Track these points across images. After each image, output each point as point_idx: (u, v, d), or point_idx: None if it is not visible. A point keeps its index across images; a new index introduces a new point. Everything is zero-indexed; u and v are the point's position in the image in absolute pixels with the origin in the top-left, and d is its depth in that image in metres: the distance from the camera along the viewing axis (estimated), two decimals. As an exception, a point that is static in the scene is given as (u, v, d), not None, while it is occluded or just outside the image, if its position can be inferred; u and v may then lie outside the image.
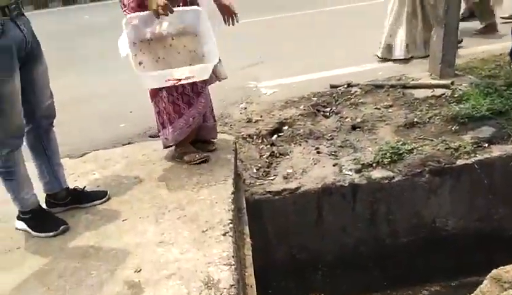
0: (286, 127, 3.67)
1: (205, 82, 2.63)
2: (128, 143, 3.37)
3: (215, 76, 2.73)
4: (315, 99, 4.06)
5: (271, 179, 3.04)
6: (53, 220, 2.18)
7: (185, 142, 2.74)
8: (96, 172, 2.74)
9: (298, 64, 4.99)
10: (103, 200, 2.38)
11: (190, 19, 2.44)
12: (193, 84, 2.57)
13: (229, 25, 2.60)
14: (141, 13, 2.34)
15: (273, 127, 3.66)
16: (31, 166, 2.23)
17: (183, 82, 2.34)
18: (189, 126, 2.66)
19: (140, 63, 2.39)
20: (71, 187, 2.39)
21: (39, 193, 2.26)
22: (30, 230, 2.15)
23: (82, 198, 2.36)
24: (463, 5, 5.10)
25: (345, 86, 4.13)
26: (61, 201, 2.33)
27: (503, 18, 5.40)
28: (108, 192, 2.42)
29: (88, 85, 5.00)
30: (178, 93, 2.57)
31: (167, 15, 2.30)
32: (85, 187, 2.43)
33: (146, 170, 2.70)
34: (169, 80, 2.31)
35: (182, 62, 2.40)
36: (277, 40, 6.19)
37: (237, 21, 2.60)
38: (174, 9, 2.31)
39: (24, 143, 2.14)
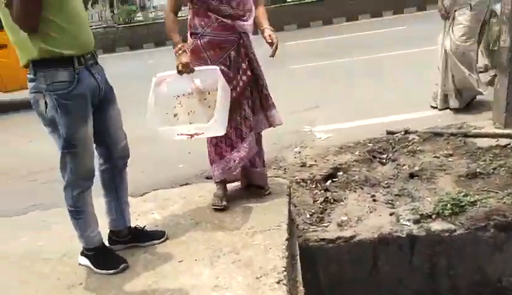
0: (341, 173, 3.64)
1: (251, 128, 2.71)
2: (186, 184, 3.48)
3: (268, 122, 2.81)
4: (371, 145, 4.02)
5: (325, 226, 3.00)
6: (115, 258, 2.27)
7: (222, 184, 2.84)
8: (155, 211, 2.84)
9: (352, 109, 4.99)
10: (161, 240, 2.44)
11: (211, 77, 2.52)
12: (236, 129, 2.68)
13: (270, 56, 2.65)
14: (170, 72, 2.52)
15: (327, 172, 3.64)
16: (99, 201, 2.34)
17: (196, 137, 2.47)
18: (229, 169, 2.73)
19: (175, 115, 2.60)
20: (132, 225, 2.49)
21: (103, 228, 2.36)
22: (93, 267, 2.24)
23: (141, 237, 2.45)
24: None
25: (402, 133, 4.07)
26: (122, 239, 2.42)
27: None
28: (166, 233, 2.49)
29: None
30: (222, 136, 2.64)
31: (188, 73, 2.46)
32: (145, 226, 2.52)
33: (202, 211, 2.76)
34: (181, 134, 2.47)
35: (209, 116, 2.48)
36: (331, 85, 6.26)
37: (273, 54, 2.62)
38: (196, 68, 2.49)
39: (96, 177, 2.26)
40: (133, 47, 14.11)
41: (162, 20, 14.45)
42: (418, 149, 3.78)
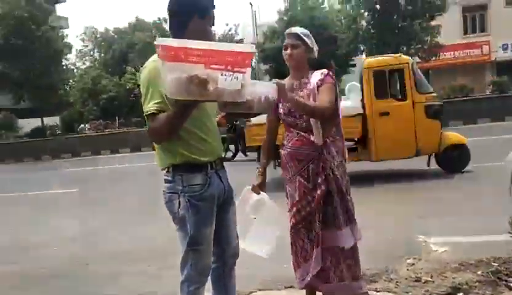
0: (461, 294, 3.30)
1: (318, 243, 2.73)
2: (291, 286, 3.42)
3: (342, 240, 2.77)
4: (495, 264, 3.61)
5: None
6: None
7: (309, 292, 2.92)
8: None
9: (475, 221, 4.60)
10: None
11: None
12: (311, 241, 2.78)
13: None
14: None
15: (445, 292, 3.32)
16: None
17: None
18: (303, 279, 2.80)
19: None
20: None
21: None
22: None
23: None
24: None
25: (534, 254, 3.61)
26: None
27: None
28: None
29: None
30: (299, 245, 2.81)
31: (257, 193, 2.73)
32: None
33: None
34: None
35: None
36: (447, 194, 5.90)
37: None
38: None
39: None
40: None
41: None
42: (554, 276, 3.30)
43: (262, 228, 2.59)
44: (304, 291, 3.02)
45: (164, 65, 1.74)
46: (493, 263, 3.63)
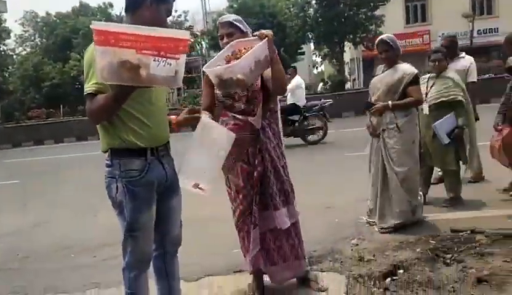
0: (401, 271, 3.45)
1: (255, 225, 2.80)
2: (240, 271, 3.45)
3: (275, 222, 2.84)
4: (433, 242, 3.82)
5: (384, 330, 2.82)
6: None
7: (255, 275, 2.98)
8: (207, 299, 2.83)
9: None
10: None
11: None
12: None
13: None
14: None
15: (387, 269, 3.47)
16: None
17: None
18: (251, 262, 2.87)
19: None
20: None
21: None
22: None
23: None
24: None
25: (468, 232, 3.85)
26: None
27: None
28: None
29: (208, 207, 5.37)
30: (245, 231, 2.87)
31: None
32: None
33: (255, 303, 2.71)
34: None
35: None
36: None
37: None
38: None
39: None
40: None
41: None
42: (486, 251, 3.53)
43: (199, 156, 2.36)
44: (247, 274, 3.08)
45: (96, 49, 1.70)
46: (431, 241, 3.84)
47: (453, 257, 3.54)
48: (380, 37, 4.20)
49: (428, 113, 4.60)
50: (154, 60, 1.74)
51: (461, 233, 3.86)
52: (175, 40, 1.77)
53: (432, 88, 4.62)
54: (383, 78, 4.15)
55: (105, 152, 2.17)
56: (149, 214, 2.18)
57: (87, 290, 3.27)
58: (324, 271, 3.28)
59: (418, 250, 3.71)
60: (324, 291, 2.79)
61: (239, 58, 2.45)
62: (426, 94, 4.59)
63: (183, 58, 1.83)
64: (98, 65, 1.71)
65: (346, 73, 29.16)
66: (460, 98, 4.50)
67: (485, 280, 3.18)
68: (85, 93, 1.98)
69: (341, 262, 3.65)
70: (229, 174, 2.82)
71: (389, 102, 4.01)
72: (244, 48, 2.52)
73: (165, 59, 1.75)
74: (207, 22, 29.83)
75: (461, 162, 4.68)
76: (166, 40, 1.75)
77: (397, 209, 4.13)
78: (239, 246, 4.00)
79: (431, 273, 3.36)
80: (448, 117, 4.47)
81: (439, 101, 4.54)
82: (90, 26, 1.71)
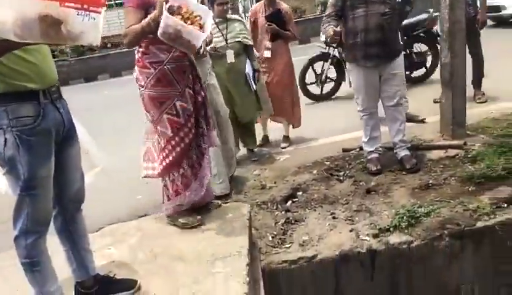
0: (300, 193, 3.67)
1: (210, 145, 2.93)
2: (145, 215, 3.40)
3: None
4: (328, 163, 4.09)
5: (287, 247, 3.00)
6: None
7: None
8: (112, 247, 2.74)
9: (308, 130, 5.07)
10: (131, 291, 2.25)
11: None
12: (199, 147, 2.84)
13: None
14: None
15: (287, 193, 3.67)
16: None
17: None
18: (203, 186, 2.83)
19: None
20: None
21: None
22: None
23: (111, 288, 2.25)
24: None
25: (357, 149, 4.16)
26: (88, 290, 2.21)
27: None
28: (139, 282, 2.29)
29: (105, 157, 5.13)
30: (179, 175, 2.79)
31: None
32: (115, 274, 2.34)
33: (161, 243, 2.69)
34: None
35: None
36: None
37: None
38: None
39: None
40: (88, 79, 13.91)
41: (117, 51, 14.41)
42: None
43: None
44: (151, 218, 3.12)
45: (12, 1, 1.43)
46: (325, 163, 4.10)
47: (345, 174, 3.83)
48: None
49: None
50: (77, 14, 1.53)
51: (351, 152, 4.16)
52: None
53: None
54: None
55: None
56: (49, 167, 1.90)
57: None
58: (229, 202, 3.36)
59: (314, 172, 3.94)
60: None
61: (183, 17, 2.42)
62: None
63: (103, 12, 1.64)
64: (8, 20, 1.43)
65: None
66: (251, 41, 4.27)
67: (374, 190, 3.51)
68: None
69: (245, 192, 3.77)
70: (178, 101, 2.68)
71: None
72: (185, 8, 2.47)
73: (88, 12, 1.56)
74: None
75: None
76: None
77: None
78: (141, 192, 3.95)
79: (326, 190, 3.62)
80: (248, 63, 4.19)
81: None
82: None
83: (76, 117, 2.13)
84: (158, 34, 2.36)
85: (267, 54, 4.49)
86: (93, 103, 9.16)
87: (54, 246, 2.09)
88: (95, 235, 2.97)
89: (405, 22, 5.08)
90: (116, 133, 6.09)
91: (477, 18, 4.86)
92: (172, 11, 2.40)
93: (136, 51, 2.67)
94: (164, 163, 2.75)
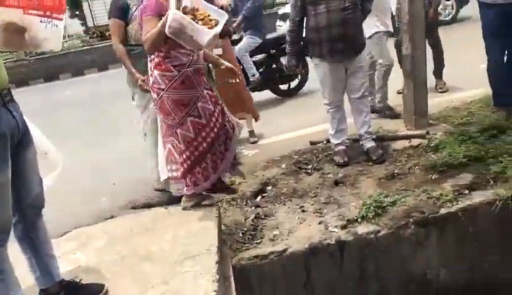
0: (270, 187, 3.67)
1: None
2: (111, 217, 3.32)
3: None
4: (296, 157, 4.10)
5: (257, 243, 3.00)
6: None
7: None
8: (77, 251, 2.67)
9: (276, 124, 5.08)
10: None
11: None
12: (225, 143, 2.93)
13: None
14: None
15: (257, 188, 3.66)
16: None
17: None
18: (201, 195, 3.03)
19: None
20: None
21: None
22: None
23: (77, 293, 2.19)
24: None
25: (324, 142, 4.20)
26: None
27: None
28: (106, 286, 2.23)
29: (68, 160, 4.98)
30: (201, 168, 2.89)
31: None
32: (81, 280, 2.27)
33: (128, 245, 2.64)
34: None
35: None
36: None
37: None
38: None
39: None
40: (49, 78, 13.45)
41: (78, 49, 14.04)
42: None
43: None
44: (118, 220, 3.10)
45: None
46: (294, 156, 4.11)
47: (313, 167, 3.86)
48: None
49: None
50: (41, 21, 1.54)
51: (318, 145, 4.20)
52: None
53: None
54: None
55: None
56: (6, 173, 1.81)
57: None
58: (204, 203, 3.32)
59: (283, 166, 3.95)
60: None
61: (195, 17, 2.52)
62: None
63: (65, 18, 1.66)
64: None
65: None
66: None
67: (341, 182, 3.55)
68: None
69: (215, 190, 3.73)
70: (199, 102, 2.77)
71: None
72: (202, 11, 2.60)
73: (50, 19, 1.57)
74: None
75: None
76: None
77: None
78: (106, 194, 3.85)
79: (295, 184, 3.63)
80: None
81: None
82: None
83: (34, 118, 2.06)
84: (165, 30, 2.46)
85: (218, 51, 4.46)
86: (54, 103, 8.88)
87: (15, 253, 2.01)
88: (60, 239, 2.89)
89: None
90: (78, 134, 5.91)
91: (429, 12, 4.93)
92: (184, 11, 2.52)
93: (155, 57, 2.70)
94: (185, 165, 2.83)
